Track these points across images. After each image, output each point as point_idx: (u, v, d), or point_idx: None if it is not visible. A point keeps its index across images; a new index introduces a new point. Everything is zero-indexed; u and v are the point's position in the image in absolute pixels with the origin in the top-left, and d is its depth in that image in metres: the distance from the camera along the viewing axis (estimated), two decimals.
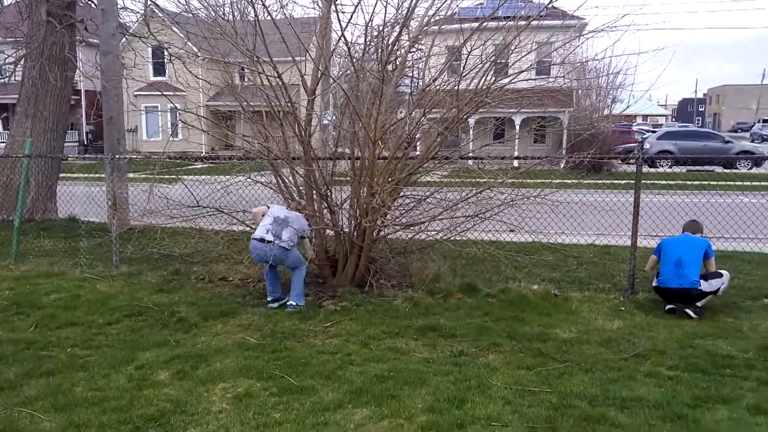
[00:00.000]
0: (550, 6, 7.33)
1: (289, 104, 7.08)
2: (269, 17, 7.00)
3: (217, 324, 6.01)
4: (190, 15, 7.99)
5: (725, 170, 22.62)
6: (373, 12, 7.20)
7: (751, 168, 23.70)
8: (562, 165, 22.13)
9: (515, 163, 9.32)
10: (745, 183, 18.27)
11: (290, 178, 7.48)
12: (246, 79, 7.86)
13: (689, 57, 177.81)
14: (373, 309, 6.43)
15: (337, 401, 4.28)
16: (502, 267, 7.67)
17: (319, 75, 7.26)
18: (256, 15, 6.84)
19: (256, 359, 5.05)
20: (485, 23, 6.76)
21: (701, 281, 6.23)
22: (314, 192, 7.23)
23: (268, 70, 6.99)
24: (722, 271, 6.44)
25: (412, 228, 7.26)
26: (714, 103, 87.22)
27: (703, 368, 4.81)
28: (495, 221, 7.15)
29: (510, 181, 7.08)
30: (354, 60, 7.30)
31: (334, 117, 9.24)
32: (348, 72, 8.20)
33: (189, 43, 11.76)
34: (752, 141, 44.67)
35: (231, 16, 7.33)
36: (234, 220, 7.45)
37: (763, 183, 18.66)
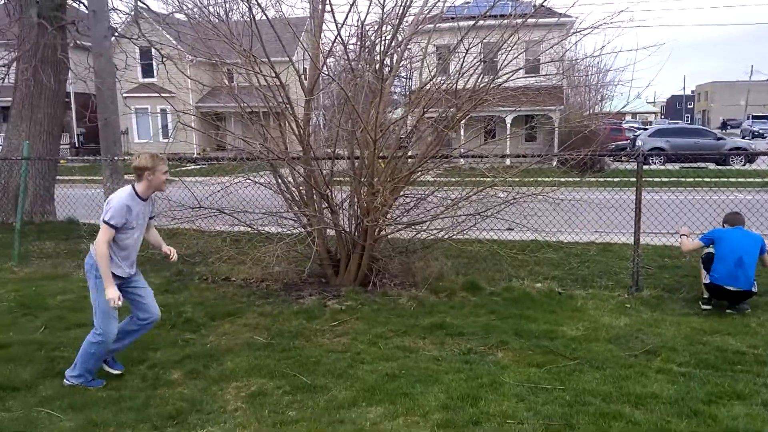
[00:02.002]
0: (543, 4, 7.33)
1: (287, 104, 7.02)
2: (264, 17, 6.95)
3: (224, 324, 5.96)
4: (183, 16, 7.92)
5: (719, 167, 22.74)
6: (368, 11, 7.18)
7: (744, 164, 23.85)
8: (554, 163, 22.21)
9: (507, 161, 9.34)
10: (739, 180, 18.39)
11: (290, 178, 7.43)
12: (239, 80, 7.78)
13: (677, 54, 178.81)
14: (378, 308, 6.39)
15: (350, 399, 4.23)
16: (504, 265, 7.64)
17: (316, 75, 7.21)
18: (252, 15, 6.77)
19: (266, 358, 5.01)
20: (480, 21, 6.74)
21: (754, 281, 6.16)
22: (314, 192, 7.18)
23: (265, 70, 6.93)
24: None
25: (413, 227, 7.22)
26: (702, 100, 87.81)
27: (714, 364, 4.80)
28: (496, 219, 7.13)
29: (511, 179, 7.06)
30: (351, 59, 7.26)
31: (324, 117, 9.20)
32: (344, 71, 8.15)
33: (180, 44, 11.68)
34: (743, 137, 44.99)
35: (225, 16, 7.28)
36: (235, 220, 7.39)
37: (756, 179, 18.78)
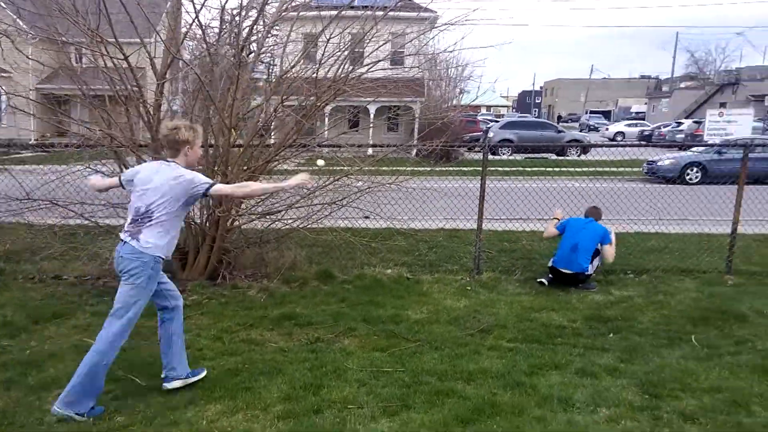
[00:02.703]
0: None
1: (136, 88, 6.66)
2: None
3: (49, 326, 5.53)
4: None
5: (558, 157, 24.65)
6: None
7: (579, 155, 26.03)
8: (414, 153, 22.91)
9: (370, 150, 9.52)
10: (576, 169, 20.06)
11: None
12: (85, 61, 7.25)
13: (530, 52, 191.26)
14: (227, 301, 6.28)
15: (188, 399, 4.13)
16: (358, 253, 7.80)
17: (169, 59, 6.90)
18: None
19: None
20: (343, 12, 6.80)
21: (588, 266, 6.74)
22: None
23: (112, 51, 6.52)
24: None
25: (268, 217, 7.16)
26: (549, 95, 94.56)
27: (539, 339, 5.25)
28: (351, 208, 7.27)
29: (367, 168, 7.22)
30: (208, 44, 7.03)
31: (180, 103, 8.84)
32: (201, 56, 7.86)
33: (18, 20, 10.63)
34: (581, 131, 49.06)
35: None
36: (70, 213, 6.88)
37: (590, 168, 20.60)
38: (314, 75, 6.74)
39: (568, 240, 6.86)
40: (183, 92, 8.94)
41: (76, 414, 3.80)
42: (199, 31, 6.86)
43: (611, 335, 5.31)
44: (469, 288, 6.86)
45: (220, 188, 4.16)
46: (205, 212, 7.02)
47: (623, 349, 4.93)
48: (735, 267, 7.24)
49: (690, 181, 17.74)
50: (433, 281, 7.13)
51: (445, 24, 7.35)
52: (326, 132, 8.90)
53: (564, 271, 6.75)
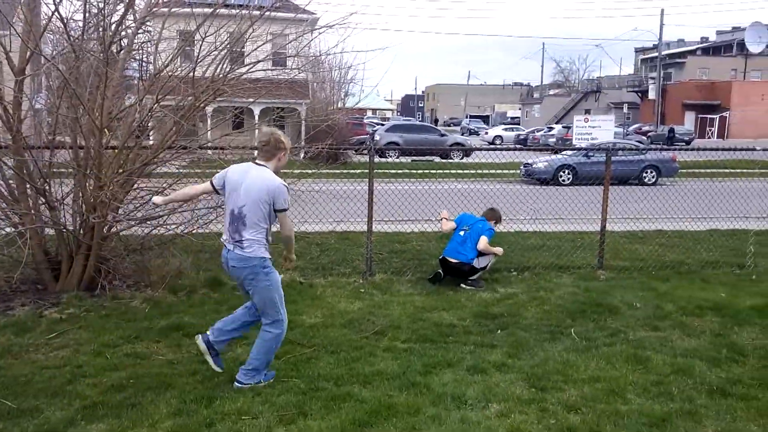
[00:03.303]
0: None
1: None
2: None
3: None
4: None
5: (442, 160, 25.44)
6: None
7: (462, 158, 27.01)
8: (302, 155, 22.73)
9: (256, 153, 9.25)
10: (460, 171, 20.78)
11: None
12: None
13: (412, 56, 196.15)
14: (107, 314, 5.89)
15: (67, 419, 3.82)
16: None
17: (28, 54, 6.36)
18: None
19: None
20: (219, 10, 6.59)
21: (475, 258, 6.96)
22: (28, 186, 6.34)
23: None
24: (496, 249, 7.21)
25: (149, 222, 6.80)
26: (431, 100, 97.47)
27: (432, 338, 5.36)
28: None
29: None
30: (72, 39, 6.55)
31: (48, 100, 8.19)
32: (66, 51, 7.32)
33: None
34: (462, 134, 50.96)
35: None
36: None
37: (471, 171, 21.43)
38: (192, 74, 6.48)
39: (458, 232, 7.16)
40: (47, 89, 8.29)
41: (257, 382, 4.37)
42: (60, 24, 6.39)
43: (499, 332, 5.53)
44: (362, 290, 6.89)
45: (283, 218, 4.30)
46: (78, 219, 6.55)
47: (510, 345, 5.15)
48: (606, 263, 7.80)
49: (563, 183, 18.94)
50: (326, 284, 7.09)
51: (323, 27, 7.37)
52: (209, 133, 8.61)
53: (450, 260, 7.00)
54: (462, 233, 7.10)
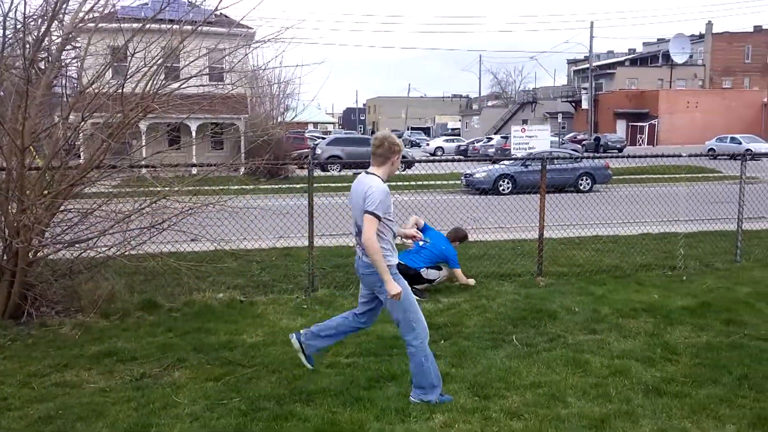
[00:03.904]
0: (218, 13, 7.30)
1: None
2: None
3: None
4: None
5: None
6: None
7: (404, 170, 27.21)
8: (242, 171, 22.41)
9: (194, 170, 9.12)
10: (403, 183, 20.89)
11: None
12: None
13: (352, 69, 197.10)
14: (34, 342, 5.60)
15: None
16: (185, 279, 7.37)
17: None
18: None
19: None
20: (148, 25, 6.42)
21: (426, 269, 7.06)
22: None
23: None
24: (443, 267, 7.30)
25: (78, 245, 6.52)
26: (372, 112, 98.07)
27: (376, 351, 5.32)
28: (174, 231, 6.86)
29: (187, 189, 6.86)
30: None
31: None
32: None
33: None
34: (404, 146, 51.33)
35: None
36: None
37: (413, 182, 21.58)
38: (120, 91, 6.27)
39: (417, 241, 7.11)
40: None
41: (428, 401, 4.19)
42: None
43: (442, 342, 5.53)
44: (305, 306, 6.79)
45: (367, 228, 4.09)
46: (1, 244, 6.23)
47: (453, 354, 5.16)
48: (545, 269, 7.95)
49: (503, 192, 19.30)
50: (268, 302, 6.95)
51: (258, 41, 7.28)
52: (143, 151, 8.36)
53: (401, 262, 6.91)
54: (421, 243, 7.03)
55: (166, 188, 6.51)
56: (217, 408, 4.27)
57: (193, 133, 24.24)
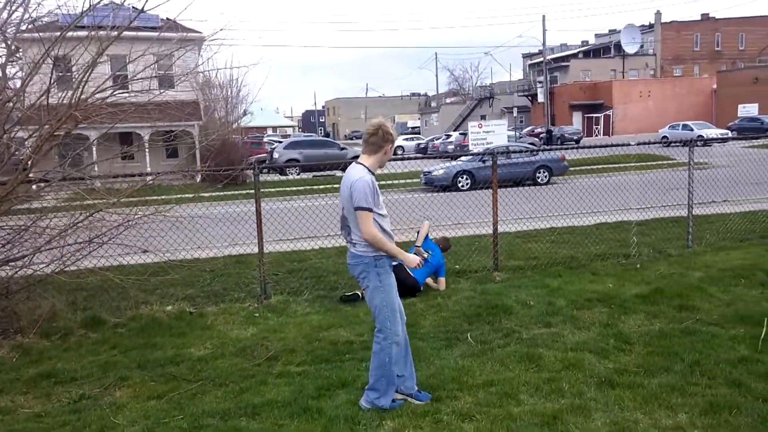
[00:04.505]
0: (165, 18, 7.06)
1: None
2: None
3: None
4: None
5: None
6: None
7: None
8: (199, 178, 21.95)
9: (148, 179, 8.84)
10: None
11: None
12: None
13: (310, 73, 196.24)
14: None
15: None
16: (131, 293, 7.10)
17: None
18: None
19: None
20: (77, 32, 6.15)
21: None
22: None
23: None
24: None
25: (11, 264, 6.20)
26: (331, 114, 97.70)
27: (327, 358, 5.16)
28: (116, 245, 6.60)
29: (127, 200, 6.59)
30: None
31: None
32: None
33: None
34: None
35: None
36: None
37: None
38: (41, 102, 5.96)
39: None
40: None
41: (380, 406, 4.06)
42: None
43: None
44: (257, 314, 6.58)
45: (359, 218, 3.92)
46: None
47: None
48: (501, 264, 7.89)
49: (462, 188, 19.32)
50: (218, 312, 6.73)
51: (199, 40, 7.06)
52: (94, 161, 8.03)
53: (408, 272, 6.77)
54: (427, 257, 6.85)
55: (102, 201, 6.23)
56: (157, 428, 4.06)
57: (146, 142, 23.65)
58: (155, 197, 7.03)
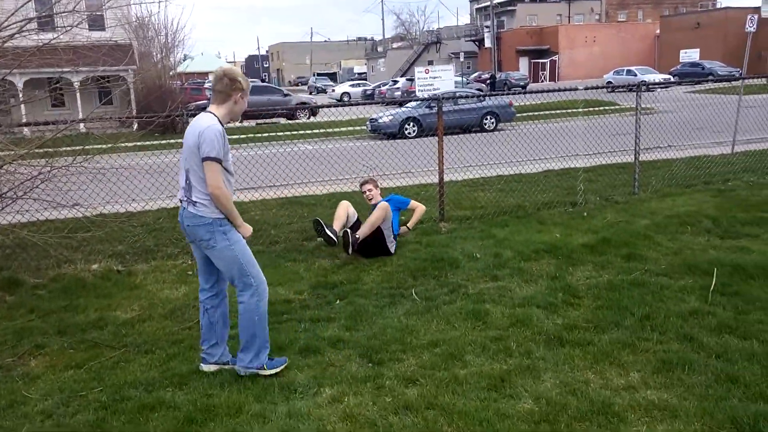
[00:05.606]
0: None
1: None
2: None
3: None
4: None
5: (289, 121, 24.60)
6: None
7: (309, 118, 26.32)
8: (135, 126, 20.87)
9: (82, 126, 8.23)
10: (305, 132, 20.14)
11: None
12: None
13: (252, 17, 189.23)
14: None
15: None
16: (53, 251, 6.56)
17: None
18: None
19: None
20: None
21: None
22: None
23: None
24: None
25: None
26: (276, 60, 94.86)
27: None
28: (32, 200, 6.03)
29: (41, 151, 5.99)
30: None
31: None
32: None
33: None
34: (310, 93, 50.01)
35: None
36: None
37: (320, 130, 20.86)
38: None
39: (396, 210, 6.68)
40: None
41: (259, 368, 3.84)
42: None
43: (338, 302, 5.13)
44: (190, 273, 6.19)
45: (206, 169, 3.58)
46: None
47: (348, 316, 4.76)
48: (447, 214, 7.66)
49: (409, 135, 18.95)
50: (149, 270, 6.31)
51: None
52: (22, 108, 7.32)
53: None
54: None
55: (10, 152, 5.63)
56: (73, 402, 3.69)
57: (77, 88, 22.25)
58: (73, 147, 6.42)
